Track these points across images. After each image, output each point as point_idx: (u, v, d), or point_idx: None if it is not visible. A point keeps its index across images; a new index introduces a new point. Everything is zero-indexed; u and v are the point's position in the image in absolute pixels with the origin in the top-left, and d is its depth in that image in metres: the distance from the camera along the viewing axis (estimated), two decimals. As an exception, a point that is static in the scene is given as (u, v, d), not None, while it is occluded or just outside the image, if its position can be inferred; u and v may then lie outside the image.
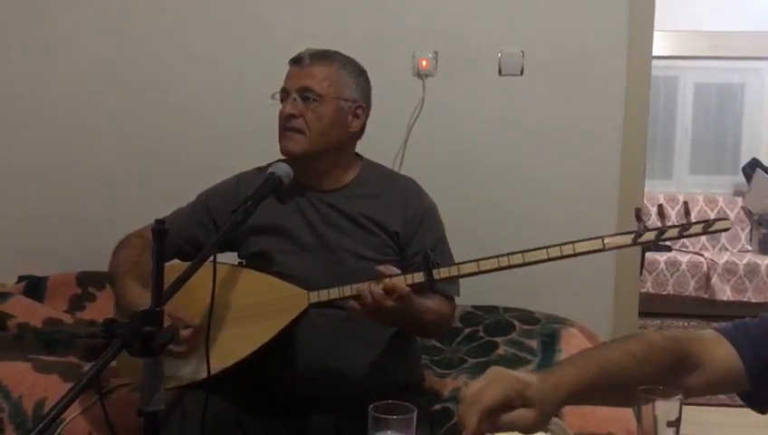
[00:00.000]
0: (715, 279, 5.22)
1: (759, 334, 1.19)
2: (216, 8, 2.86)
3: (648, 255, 5.14)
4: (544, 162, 2.80)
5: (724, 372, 1.18)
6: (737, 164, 5.99)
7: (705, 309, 5.21)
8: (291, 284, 1.77)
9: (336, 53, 1.90)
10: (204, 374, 1.60)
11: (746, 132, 6.05)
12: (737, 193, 5.94)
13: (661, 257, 5.28)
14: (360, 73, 1.93)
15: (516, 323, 2.46)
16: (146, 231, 1.84)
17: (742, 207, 5.78)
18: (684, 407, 1.03)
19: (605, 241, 1.60)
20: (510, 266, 1.65)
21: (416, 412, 1.03)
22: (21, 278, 2.77)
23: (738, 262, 5.26)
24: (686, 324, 5.06)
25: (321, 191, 1.90)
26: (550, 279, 2.66)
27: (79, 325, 2.52)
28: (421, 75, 2.78)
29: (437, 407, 2.04)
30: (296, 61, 1.88)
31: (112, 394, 1.97)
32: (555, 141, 2.80)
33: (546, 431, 1.06)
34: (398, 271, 1.67)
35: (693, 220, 1.53)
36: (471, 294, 2.12)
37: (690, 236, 1.54)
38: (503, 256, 1.64)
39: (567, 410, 1.82)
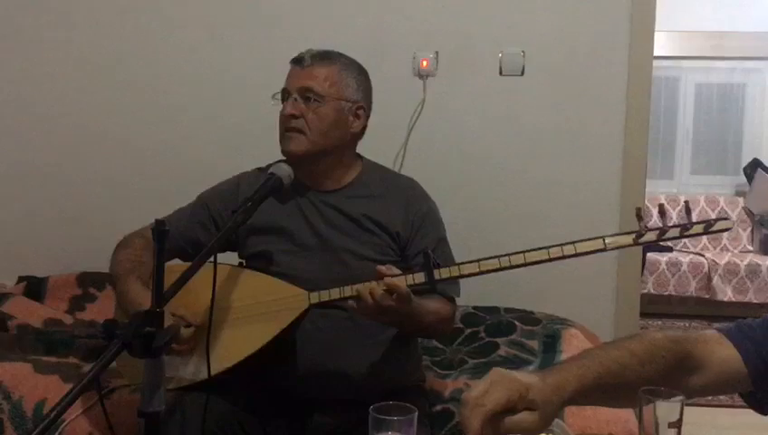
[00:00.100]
0: (716, 280, 5.21)
1: (761, 335, 1.19)
2: (218, 8, 2.86)
3: (650, 255, 5.14)
4: (545, 163, 2.80)
5: (725, 372, 1.18)
6: (738, 164, 5.98)
7: (706, 310, 5.21)
8: (291, 284, 1.77)
9: (337, 53, 1.90)
10: (204, 375, 1.60)
11: (747, 133, 6.05)
12: (738, 193, 5.94)
13: (662, 258, 5.27)
14: (361, 74, 1.93)
15: (517, 323, 2.45)
16: (146, 231, 1.84)
17: (743, 208, 5.77)
18: (685, 407, 1.03)
19: (606, 241, 1.59)
20: (511, 267, 1.64)
21: (416, 413, 1.02)
22: (21, 279, 2.78)
23: (739, 262, 5.25)
24: (687, 325, 5.05)
25: (321, 191, 1.90)
26: (551, 280, 2.66)
27: (79, 326, 2.52)
28: (422, 75, 2.78)
29: (438, 408, 2.04)
30: (297, 61, 1.87)
31: (113, 395, 1.96)
32: (556, 142, 2.79)
33: (548, 433, 1.06)
34: (399, 271, 1.66)
35: (694, 220, 1.53)
36: (472, 294, 2.12)
37: (691, 235, 1.54)
38: (504, 256, 1.64)
39: (568, 411, 1.82)
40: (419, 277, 1.66)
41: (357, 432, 1.16)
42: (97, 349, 2.31)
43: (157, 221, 1.23)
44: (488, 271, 1.66)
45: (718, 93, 6.07)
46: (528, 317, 2.49)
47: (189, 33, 2.87)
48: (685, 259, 5.29)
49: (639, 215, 1.56)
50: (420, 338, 2.08)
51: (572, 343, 2.29)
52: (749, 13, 5.69)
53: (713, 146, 6.09)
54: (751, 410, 1.25)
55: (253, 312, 1.75)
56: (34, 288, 2.70)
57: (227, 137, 2.84)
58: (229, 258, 1.85)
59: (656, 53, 2.84)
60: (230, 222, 1.61)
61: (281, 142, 1.86)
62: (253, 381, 1.78)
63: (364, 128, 1.93)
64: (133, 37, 2.88)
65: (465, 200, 2.77)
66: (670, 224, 1.53)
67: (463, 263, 1.69)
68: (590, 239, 1.60)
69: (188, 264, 1.44)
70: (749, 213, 5.74)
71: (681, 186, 6.08)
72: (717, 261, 5.26)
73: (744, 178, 5.88)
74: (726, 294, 5.21)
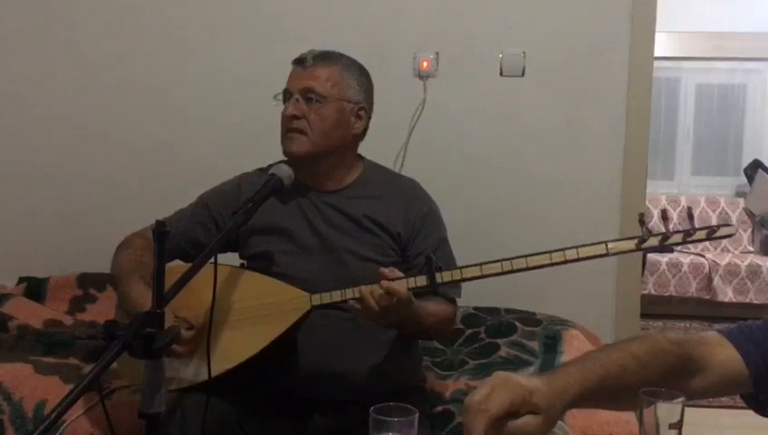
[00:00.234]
0: (716, 280, 5.21)
1: (762, 336, 1.19)
2: (217, 8, 2.86)
3: (650, 256, 5.14)
4: (546, 163, 2.80)
5: (727, 374, 1.18)
6: (739, 165, 5.98)
7: (706, 310, 5.20)
8: (293, 286, 1.77)
9: (339, 54, 1.90)
10: (205, 376, 1.60)
11: (748, 133, 6.04)
12: (739, 194, 5.93)
13: (663, 259, 5.27)
14: (363, 74, 1.92)
15: (518, 324, 2.45)
16: (147, 232, 1.84)
17: (744, 209, 5.77)
18: (686, 408, 1.03)
19: (609, 246, 1.59)
20: (513, 271, 1.64)
21: (417, 414, 1.02)
22: (21, 280, 2.78)
23: (740, 263, 5.25)
24: (687, 326, 5.04)
25: (322, 192, 1.90)
26: (551, 281, 2.64)
27: (79, 327, 2.52)
28: (422, 76, 2.78)
29: (439, 408, 2.03)
30: (299, 61, 1.87)
31: (113, 396, 1.96)
32: (557, 142, 2.79)
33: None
34: (402, 274, 1.66)
35: (696, 225, 1.52)
36: (472, 295, 2.11)
37: (694, 241, 1.53)
38: (506, 260, 1.63)
39: (569, 412, 1.82)
40: (421, 281, 1.66)
41: (357, 433, 1.16)
42: (97, 350, 2.30)
43: (157, 222, 1.23)
44: (490, 275, 1.65)
45: (719, 94, 6.06)
46: (529, 318, 2.49)
47: (189, 33, 2.87)
48: (685, 260, 5.29)
49: (642, 220, 1.56)
50: (421, 339, 2.08)
51: (573, 344, 2.28)
52: (749, 13, 5.69)
53: (713, 147, 6.08)
54: (752, 411, 1.25)
55: (254, 313, 1.74)
56: (35, 289, 2.70)
57: (227, 137, 2.84)
58: (230, 259, 1.85)
59: (656, 54, 2.84)
60: (231, 223, 1.61)
61: (282, 143, 1.86)
62: (253, 382, 1.78)
63: (365, 129, 1.93)
64: (133, 37, 2.88)
65: (466, 201, 2.76)
66: (673, 229, 1.53)
67: (465, 266, 1.68)
68: (592, 244, 1.60)
69: (189, 264, 1.44)
70: (749, 214, 5.74)
71: (682, 187, 6.07)
72: (718, 262, 5.25)
73: (744, 179, 5.87)
74: (727, 294, 5.21)
